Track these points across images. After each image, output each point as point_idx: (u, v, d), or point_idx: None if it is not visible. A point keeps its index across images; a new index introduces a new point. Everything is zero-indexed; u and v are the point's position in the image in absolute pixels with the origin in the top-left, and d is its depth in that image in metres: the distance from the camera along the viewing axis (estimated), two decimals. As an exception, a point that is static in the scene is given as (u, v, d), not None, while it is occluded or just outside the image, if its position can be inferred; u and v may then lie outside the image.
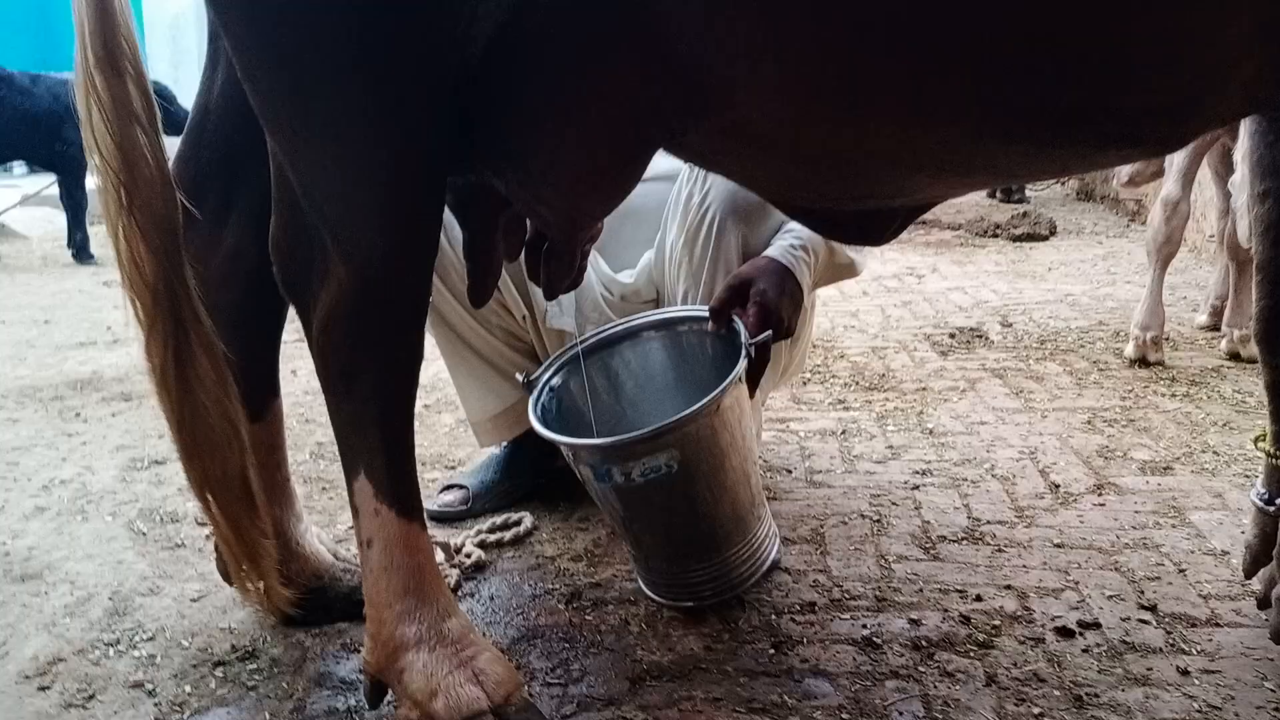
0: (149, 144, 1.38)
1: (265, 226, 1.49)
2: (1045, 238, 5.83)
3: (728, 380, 1.59)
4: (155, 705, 1.52)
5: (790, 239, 1.89)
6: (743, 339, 1.67)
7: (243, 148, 1.53)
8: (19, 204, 6.71)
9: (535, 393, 1.76)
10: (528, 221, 1.70)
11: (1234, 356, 3.19)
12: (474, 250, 1.65)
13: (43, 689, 1.57)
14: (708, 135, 1.27)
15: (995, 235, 5.91)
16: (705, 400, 1.56)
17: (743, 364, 1.62)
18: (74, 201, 5.88)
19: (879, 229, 1.50)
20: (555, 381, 1.80)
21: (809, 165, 1.30)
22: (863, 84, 1.06)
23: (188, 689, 1.56)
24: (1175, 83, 1.00)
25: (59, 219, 6.80)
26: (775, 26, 1.03)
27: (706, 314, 1.79)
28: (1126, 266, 4.91)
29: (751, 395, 1.72)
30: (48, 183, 6.29)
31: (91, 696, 1.55)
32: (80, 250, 5.84)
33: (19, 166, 8.23)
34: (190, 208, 1.45)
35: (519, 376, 1.82)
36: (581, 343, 1.84)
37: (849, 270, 2.06)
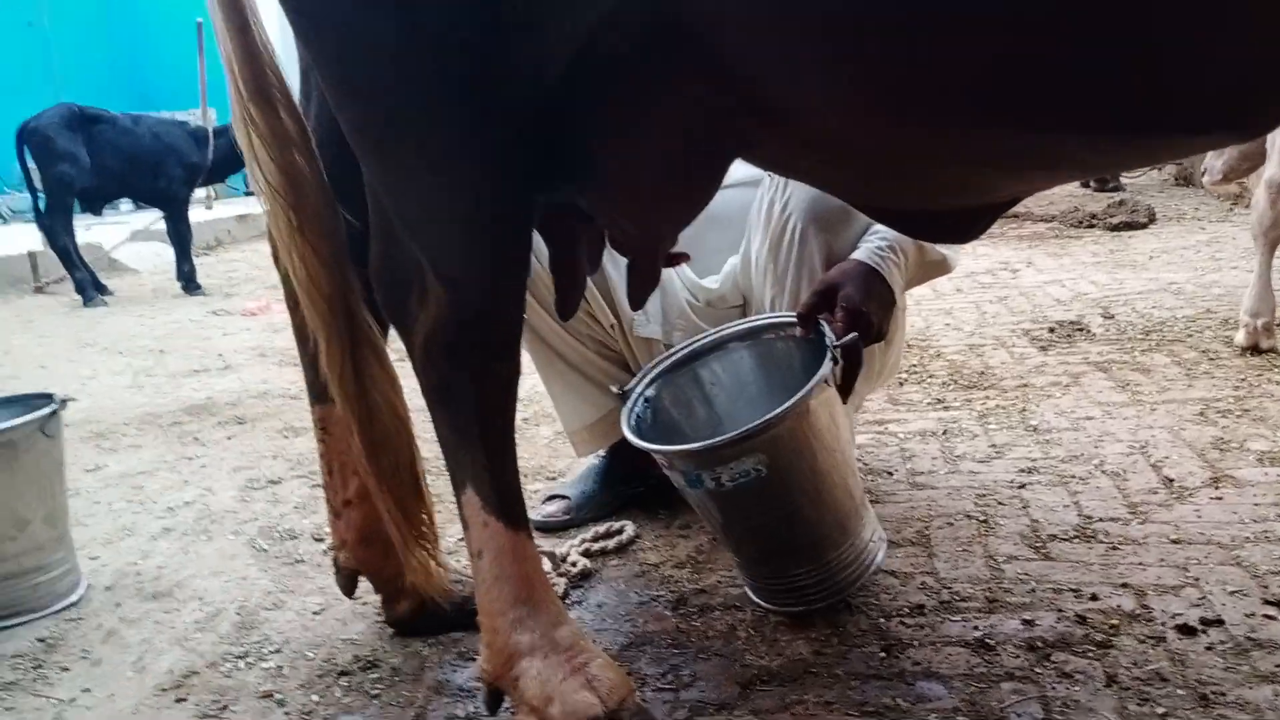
0: (308, 165, 1.47)
1: (363, 252, 1.56)
2: (1144, 226, 5.67)
3: (811, 383, 1.58)
4: (285, 714, 1.58)
5: (877, 240, 1.88)
6: (829, 341, 1.67)
7: (338, 176, 1.59)
8: (129, 240, 7.05)
9: (629, 403, 1.79)
10: (606, 234, 1.73)
11: (1353, 340, 3.06)
12: (559, 265, 1.68)
13: (179, 700, 1.64)
14: (782, 145, 1.28)
15: (1091, 226, 5.77)
16: (789, 403, 1.56)
17: (828, 366, 1.61)
18: (179, 235, 6.14)
19: (964, 226, 1.48)
20: (649, 392, 1.82)
21: (886, 169, 1.30)
22: (940, 89, 1.06)
23: (315, 698, 1.62)
24: (1256, 65, 0.97)
25: (167, 252, 7.12)
26: (849, 39, 1.03)
27: (793, 320, 1.79)
28: (1231, 251, 4.74)
29: (845, 399, 1.72)
30: (155, 218, 6.60)
31: (225, 707, 1.62)
32: (188, 282, 6.09)
33: (125, 203, 8.62)
34: (350, 219, 1.52)
35: (613, 388, 1.85)
36: (673, 353, 1.85)
37: (941, 267, 2.04)
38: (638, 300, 1.75)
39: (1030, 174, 1.33)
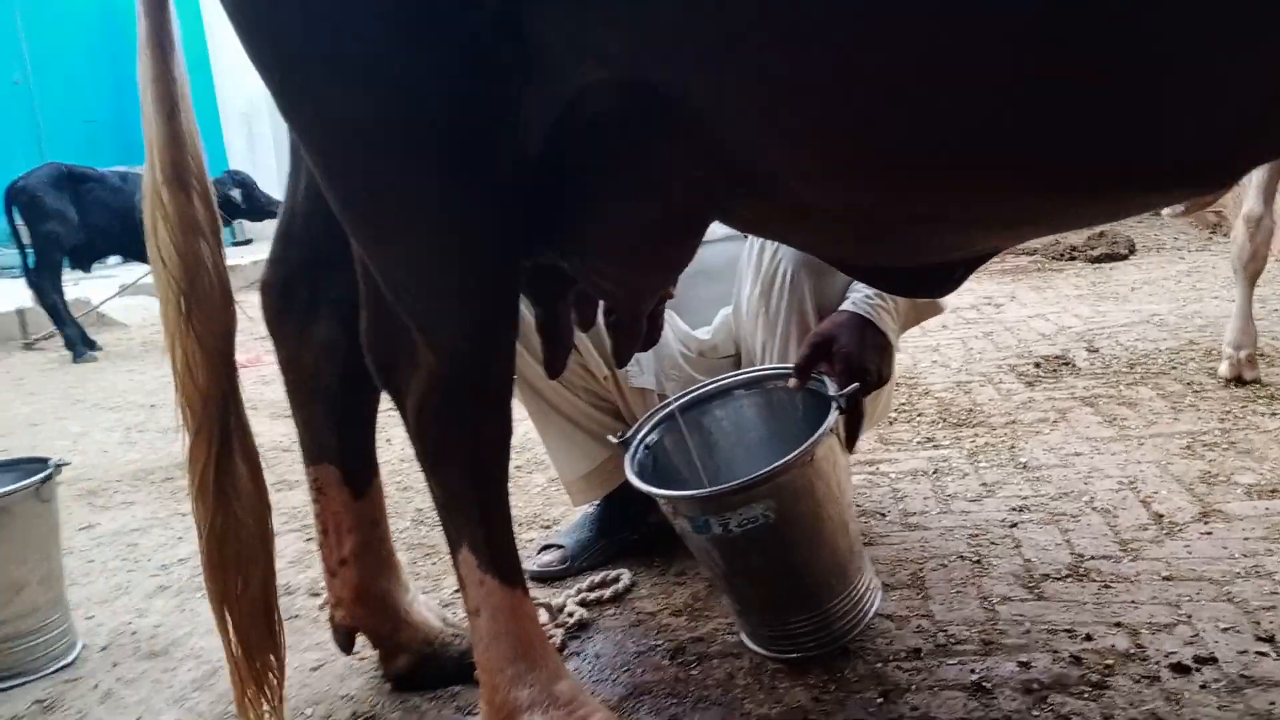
0: (211, 255, 1.46)
1: (353, 317, 1.58)
2: (1125, 257, 5.73)
3: (820, 431, 1.61)
4: (285, 776, 1.58)
5: (866, 289, 1.91)
6: (831, 391, 1.70)
7: (328, 246, 1.62)
8: (118, 294, 7.06)
9: (631, 450, 1.81)
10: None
11: (1335, 369, 3.10)
12: (548, 326, 1.71)
13: (179, 763, 1.64)
14: (756, 209, 1.32)
15: (1072, 258, 5.82)
16: (799, 450, 1.59)
17: (834, 415, 1.65)
18: (169, 288, 6.14)
19: (939, 282, 1.52)
20: (651, 439, 1.85)
21: (860, 231, 1.34)
22: (909, 158, 1.09)
23: (314, 758, 1.62)
24: (1212, 126, 1.01)
25: (154, 306, 7.07)
26: (821, 111, 1.07)
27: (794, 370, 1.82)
28: (1212, 281, 4.79)
29: (850, 448, 1.74)
30: (144, 272, 6.60)
31: (224, 769, 1.61)
32: (177, 334, 6.09)
33: (113, 258, 8.62)
34: (241, 313, 1.53)
35: (611, 438, 1.87)
36: (676, 400, 1.88)
37: (933, 307, 2.07)
38: (623, 358, 1.77)
39: (1001, 231, 1.37)
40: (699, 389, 1.91)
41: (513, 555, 1.46)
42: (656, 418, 1.87)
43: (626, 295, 1.52)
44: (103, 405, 4.61)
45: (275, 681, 1.57)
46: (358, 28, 1.12)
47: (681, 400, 1.89)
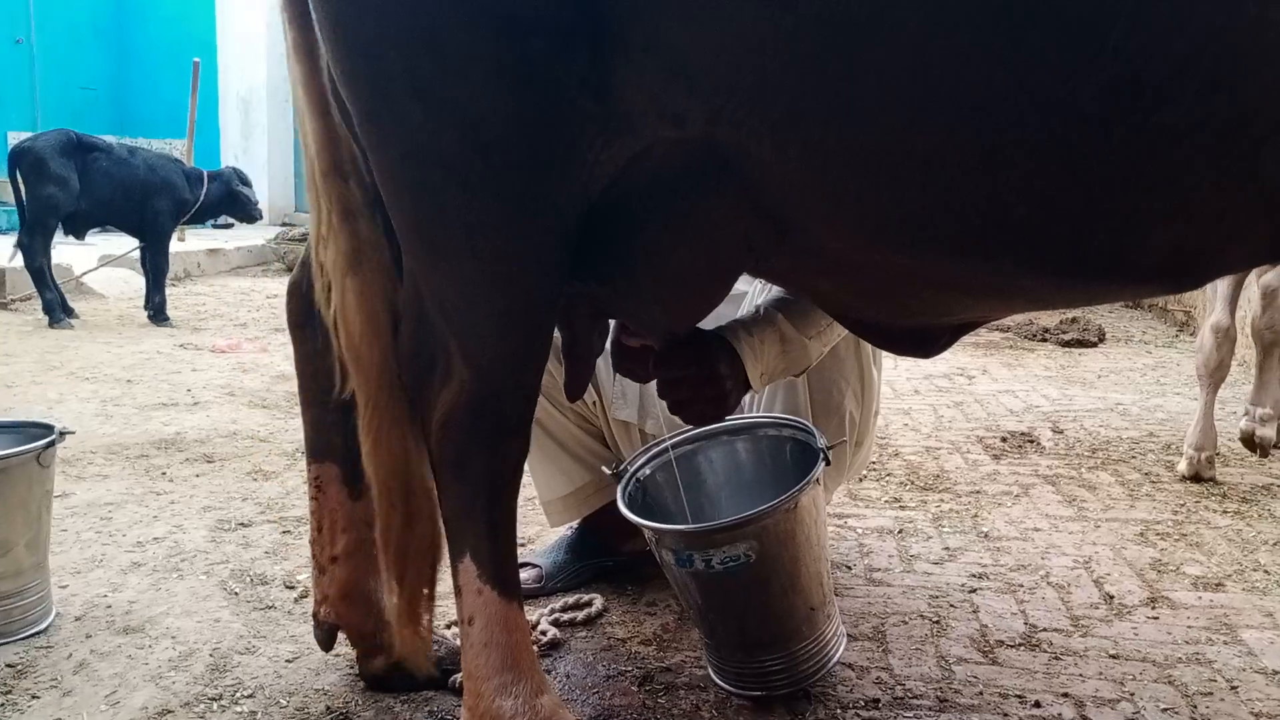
0: (369, 231, 1.54)
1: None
2: (1094, 344, 5.90)
3: (807, 479, 1.70)
4: (260, 760, 1.62)
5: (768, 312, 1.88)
6: (819, 443, 1.79)
7: None
8: (100, 265, 7.04)
9: (623, 481, 1.88)
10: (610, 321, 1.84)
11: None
12: (573, 349, 1.79)
13: (153, 738, 1.68)
14: (789, 261, 1.42)
15: (1044, 339, 5.99)
16: (785, 496, 1.68)
17: (820, 467, 1.74)
18: (156, 266, 6.16)
19: (930, 343, 1.64)
20: (643, 473, 1.92)
21: (870, 287, 1.45)
22: (921, 227, 1.21)
23: (287, 747, 1.66)
24: (1191, 236, 1.14)
25: (134, 280, 7.12)
26: (851, 176, 1.18)
27: (787, 421, 1.91)
28: (1175, 377, 4.96)
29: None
30: (131, 247, 6.61)
31: (198, 748, 1.65)
32: (158, 313, 6.09)
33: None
34: None
35: (605, 469, 1.94)
36: (671, 438, 1.96)
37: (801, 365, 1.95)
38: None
39: (991, 301, 1.50)
40: (694, 430, 1.99)
41: (513, 569, 1.53)
42: (651, 453, 1.95)
43: (659, 329, 1.60)
44: (79, 375, 4.61)
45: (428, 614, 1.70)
46: (456, 65, 1.21)
47: (675, 439, 1.97)
